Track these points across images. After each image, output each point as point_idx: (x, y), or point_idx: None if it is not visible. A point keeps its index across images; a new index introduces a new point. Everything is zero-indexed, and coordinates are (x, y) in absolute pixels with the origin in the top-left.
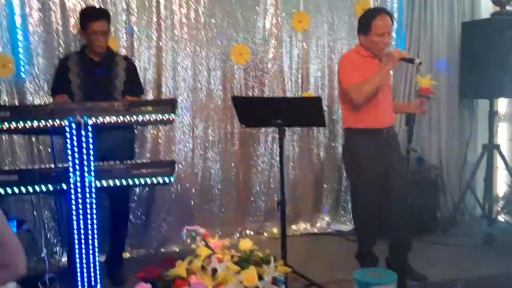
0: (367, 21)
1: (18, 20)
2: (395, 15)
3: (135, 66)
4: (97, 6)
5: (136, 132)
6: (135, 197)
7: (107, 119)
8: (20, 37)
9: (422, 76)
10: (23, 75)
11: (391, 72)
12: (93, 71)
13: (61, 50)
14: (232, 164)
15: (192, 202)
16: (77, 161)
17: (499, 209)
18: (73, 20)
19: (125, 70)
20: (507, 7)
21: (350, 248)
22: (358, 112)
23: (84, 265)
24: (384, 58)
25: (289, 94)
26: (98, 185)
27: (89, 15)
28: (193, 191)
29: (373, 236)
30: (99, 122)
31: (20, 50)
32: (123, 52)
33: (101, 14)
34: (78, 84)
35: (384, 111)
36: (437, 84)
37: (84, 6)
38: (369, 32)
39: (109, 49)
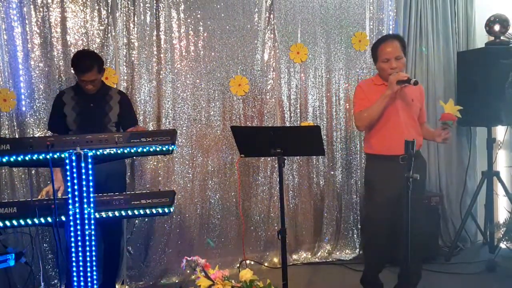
0: (374, 49)
1: (20, 56)
2: None
3: (129, 99)
4: (98, 41)
5: (126, 164)
6: (134, 228)
7: (107, 150)
8: (21, 72)
9: (445, 101)
10: (24, 109)
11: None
12: (88, 105)
13: (62, 85)
14: (232, 193)
15: (192, 233)
16: (76, 193)
17: (501, 236)
18: None
19: (118, 103)
20: (501, 37)
21: (352, 277)
22: (367, 138)
23: None
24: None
25: (288, 124)
26: (98, 216)
27: (76, 67)
28: (193, 221)
29: (381, 263)
30: (99, 153)
31: (22, 84)
32: (123, 85)
33: (87, 68)
34: (74, 117)
35: (395, 137)
36: (461, 108)
37: (86, 41)
38: (377, 59)
39: (103, 84)
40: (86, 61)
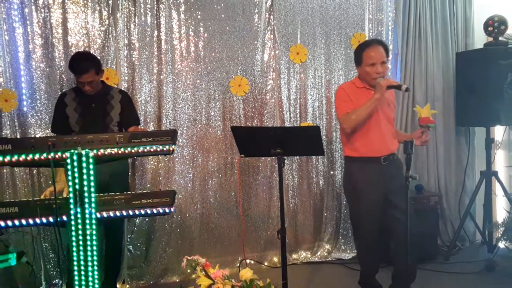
0: (359, 53)
1: (21, 56)
2: (390, 46)
3: (130, 98)
4: (99, 41)
5: (129, 163)
6: (135, 228)
7: (108, 150)
8: (23, 72)
9: (422, 105)
10: (25, 109)
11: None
12: (89, 105)
13: (63, 85)
14: (232, 193)
15: (192, 232)
16: (77, 193)
17: (499, 235)
18: None
19: (120, 102)
20: (500, 38)
21: (351, 277)
22: (351, 141)
23: None
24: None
25: (287, 124)
26: (99, 216)
27: (73, 69)
28: (193, 221)
29: (375, 263)
30: (100, 153)
31: (23, 85)
32: (124, 85)
33: (84, 70)
34: (76, 118)
35: (378, 139)
36: (437, 112)
37: (87, 42)
38: (361, 63)
39: (104, 84)
40: (83, 63)
